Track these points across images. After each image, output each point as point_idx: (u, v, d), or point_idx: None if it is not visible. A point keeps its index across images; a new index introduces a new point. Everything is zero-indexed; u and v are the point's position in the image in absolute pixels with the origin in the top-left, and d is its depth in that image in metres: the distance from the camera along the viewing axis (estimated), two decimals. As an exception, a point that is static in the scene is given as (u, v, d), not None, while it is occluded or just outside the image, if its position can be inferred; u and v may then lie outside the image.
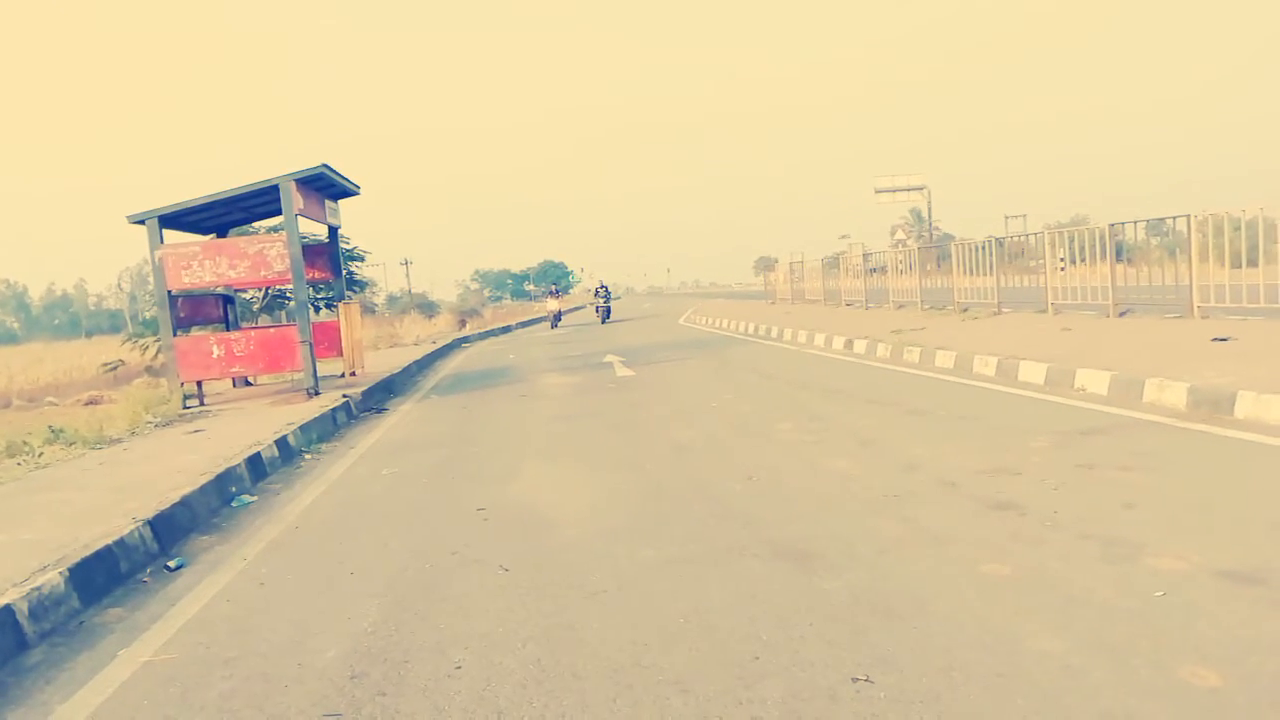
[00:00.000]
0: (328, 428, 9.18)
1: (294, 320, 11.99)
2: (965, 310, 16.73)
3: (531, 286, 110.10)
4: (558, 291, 32.90)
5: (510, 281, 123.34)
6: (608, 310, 31.75)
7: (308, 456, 7.91)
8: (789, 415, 8.09)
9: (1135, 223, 13.00)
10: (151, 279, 11.29)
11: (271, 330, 12.17)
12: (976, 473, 5.41)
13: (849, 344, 13.85)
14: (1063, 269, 14.21)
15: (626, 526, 4.87)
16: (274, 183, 10.81)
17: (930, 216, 51.24)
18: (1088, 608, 3.33)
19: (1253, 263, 10.75)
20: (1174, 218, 11.84)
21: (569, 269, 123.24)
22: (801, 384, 10.42)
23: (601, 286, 32.86)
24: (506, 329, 33.64)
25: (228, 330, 12.62)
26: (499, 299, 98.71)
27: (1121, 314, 12.64)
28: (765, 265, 56.09)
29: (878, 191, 49.26)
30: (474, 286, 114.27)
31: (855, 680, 2.88)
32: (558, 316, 31.11)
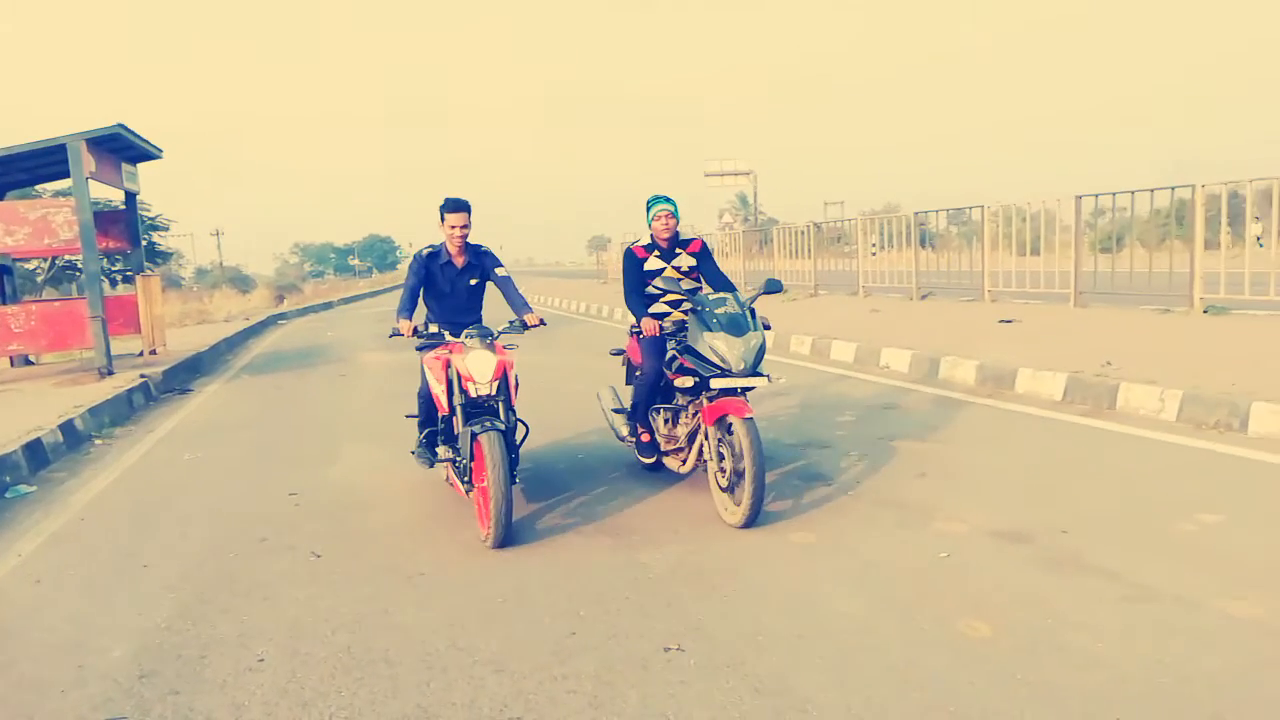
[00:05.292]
0: (122, 410, 8.46)
1: (84, 294, 10.92)
2: (785, 291, 17.44)
3: (356, 261, 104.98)
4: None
5: (334, 256, 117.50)
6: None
7: (99, 442, 7.27)
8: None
9: (938, 211, 14.02)
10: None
11: (57, 304, 11.04)
12: (788, 447, 5.67)
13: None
14: (874, 254, 15.08)
15: (451, 508, 4.78)
16: (61, 141, 9.77)
17: (756, 201, 52.96)
18: (883, 570, 3.58)
19: (1036, 251, 11.79)
20: (970, 208, 12.85)
21: (396, 243, 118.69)
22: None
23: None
24: (328, 305, 32.07)
25: (4, 304, 11.35)
26: (321, 274, 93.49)
27: (924, 297, 13.56)
28: (598, 245, 55.98)
29: (707, 175, 50.36)
30: (293, 260, 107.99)
31: (667, 650, 2.96)
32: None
